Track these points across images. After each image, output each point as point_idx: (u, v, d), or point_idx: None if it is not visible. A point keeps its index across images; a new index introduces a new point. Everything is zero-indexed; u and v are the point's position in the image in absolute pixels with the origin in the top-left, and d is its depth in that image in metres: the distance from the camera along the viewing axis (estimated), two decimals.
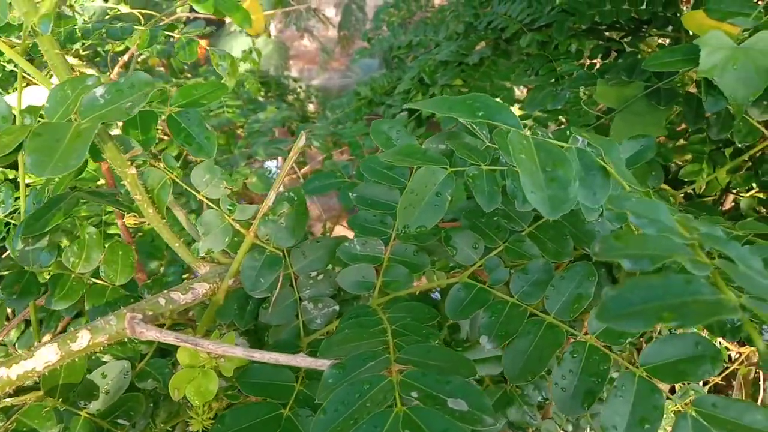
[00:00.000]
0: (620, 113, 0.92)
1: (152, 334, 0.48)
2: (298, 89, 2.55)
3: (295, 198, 0.64)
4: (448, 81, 1.55)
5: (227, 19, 3.94)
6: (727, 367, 1.43)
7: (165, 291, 0.53)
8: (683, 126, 1.11)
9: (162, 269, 1.21)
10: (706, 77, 0.78)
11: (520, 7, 1.57)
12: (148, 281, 0.62)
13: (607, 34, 1.56)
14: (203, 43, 3.91)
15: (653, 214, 0.35)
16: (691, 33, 1.08)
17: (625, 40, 1.46)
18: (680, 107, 0.94)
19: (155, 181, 0.55)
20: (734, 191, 1.09)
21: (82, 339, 0.48)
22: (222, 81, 0.98)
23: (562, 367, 0.48)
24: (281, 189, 0.64)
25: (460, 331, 0.88)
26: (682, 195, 1.14)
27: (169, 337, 0.47)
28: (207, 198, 0.55)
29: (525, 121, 1.49)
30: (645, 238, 0.32)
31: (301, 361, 0.45)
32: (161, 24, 0.87)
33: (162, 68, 2.18)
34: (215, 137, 0.63)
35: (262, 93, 2.36)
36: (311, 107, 2.83)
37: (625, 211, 0.34)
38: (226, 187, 0.55)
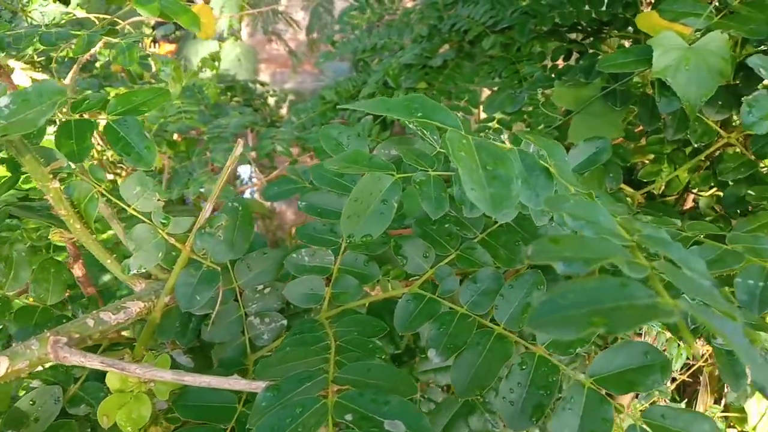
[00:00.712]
0: (578, 115, 0.92)
1: (76, 358, 0.45)
2: (266, 94, 2.51)
3: (240, 208, 0.61)
4: (412, 84, 1.53)
5: None
6: (693, 365, 1.44)
7: (94, 311, 0.50)
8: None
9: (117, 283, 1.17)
10: (660, 78, 0.78)
11: (483, 9, 1.56)
12: (83, 299, 0.59)
13: (570, 35, 1.57)
14: (170, 47, 3.84)
15: (591, 215, 0.33)
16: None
17: (587, 41, 1.46)
18: (637, 108, 0.93)
19: (82, 194, 0.52)
20: (694, 190, 1.10)
21: (0, 366, 0.44)
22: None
23: (509, 380, 0.46)
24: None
25: (422, 339, 0.86)
26: (645, 195, 1.15)
27: (94, 362, 0.44)
28: (138, 211, 0.52)
29: (489, 123, 1.48)
30: (582, 240, 0.31)
31: (234, 383, 0.43)
32: (102, 29, 0.83)
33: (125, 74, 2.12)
34: (155, 146, 0.60)
35: (227, 98, 2.32)
36: (283, 111, 2.80)
37: (561, 213, 0.33)
38: (159, 200, 0.52)
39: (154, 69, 1.44)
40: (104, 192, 0.51)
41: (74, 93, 1.06)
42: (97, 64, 1.88)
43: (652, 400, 1.19)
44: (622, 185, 1.07)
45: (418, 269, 0.59)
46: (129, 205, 0.52)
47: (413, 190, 0.54)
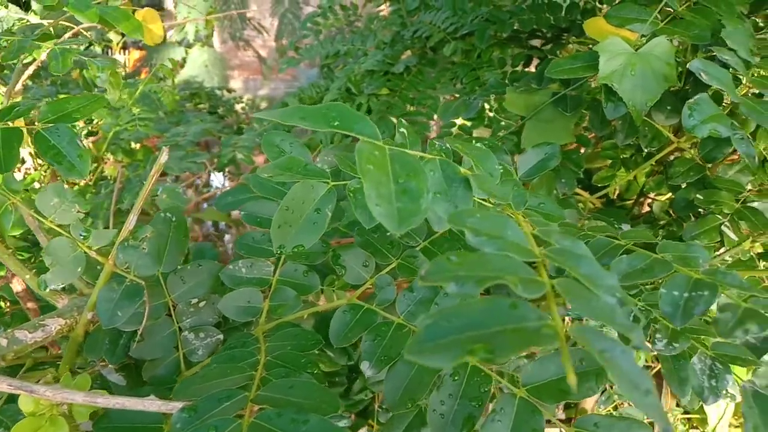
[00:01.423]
0: (530, 121, 0.92)
1: None
2: (232, 100, 2.48)
3: (173, 219, 0.59)
4: (374, 90, 1.52)
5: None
6: (654, 367, 1.45)
7: (9, 330, 0.47)
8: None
9: None
10: (606, 83, 0.78)
11: (444, 15, 1.57)
12: (6, 317, 0.56)
13: (531, 42, 1.58)
14: (140, 54, 3.76)
15: (497, 230, 0.32)
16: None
17: (546, 47, 1.47)
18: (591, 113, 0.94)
19: None
20: (650, 195, 1.11)
21: None
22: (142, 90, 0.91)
23: (441, 392, 0.45)
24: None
25: None
26: (603, 199, 1.15)
27: (2, 384, 0.42)
28: (56, 224, 0.50)
29: (450, 129, 1.48)
30: (481, 257, 0.30)
31: (150, 404, 0.41)
32: (35, 34, 0.80)
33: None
34: (89, 155, 0.58)
35: (193, 105, 2.28)
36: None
37: (463, 228, 0.32)
38: (78, 211, 0.50)
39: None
40: (19, 204, 0.49)
41: (18, 99, 1.02)
42: None
43: (614, 404, 1.19)
44: (579, 190, 1.07)
45: (357, 279, 0.58)
46: (46, 218, 0.49)
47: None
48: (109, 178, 1.35)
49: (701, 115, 0.66)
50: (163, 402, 0.41)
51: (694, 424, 1.52)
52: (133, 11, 0.97)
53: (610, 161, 1.12)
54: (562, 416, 1.22)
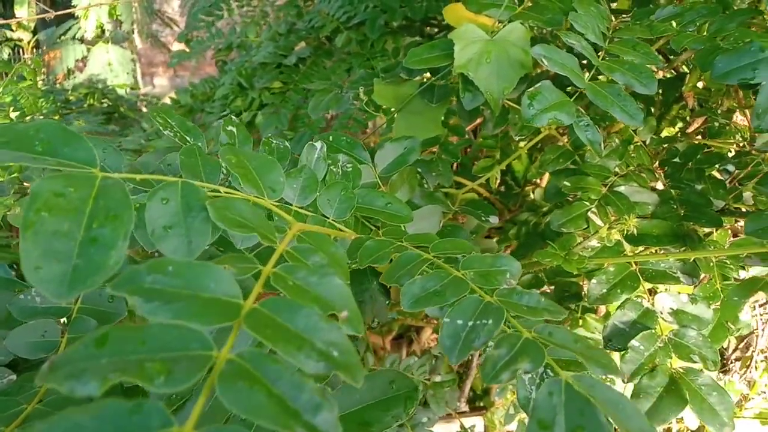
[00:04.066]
0: (400, 113, 0.88)
1: None
2: (133, 98, 2.34)
3: None
4: (266, 84, 1.45)
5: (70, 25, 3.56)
6: None
7: None
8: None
9: None
10: (463, 72, 0.75)
11: (338, 4, 1.51)
12: None
13: (427, 30, 1.55)
14: (54, 53, 3.45)
15: (193, 286, 0.26)
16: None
17: (440, 35, 1.45)
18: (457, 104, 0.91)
19: None
20: (533, 182, 1.10)
21: None
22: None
23: None
24: None
25: None
26: (490, 188, 1.14)
27: None
28: None
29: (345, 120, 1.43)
30: (141, 334, 0.23)
31: None
32: None
33: None
34: None
35: (87, 104, 2.13)
36: None
37: (135, 293, 0.25)
38: None
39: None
40: None
41: None
42: None
43: (513, 394, 1.19)
44: (464, 180, 1.04)
45: None
46: None
47: None
48: None
49: (542, 103, 0.63)
50: None
51: None
52: None
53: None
54: (465, 409, 1.21)
